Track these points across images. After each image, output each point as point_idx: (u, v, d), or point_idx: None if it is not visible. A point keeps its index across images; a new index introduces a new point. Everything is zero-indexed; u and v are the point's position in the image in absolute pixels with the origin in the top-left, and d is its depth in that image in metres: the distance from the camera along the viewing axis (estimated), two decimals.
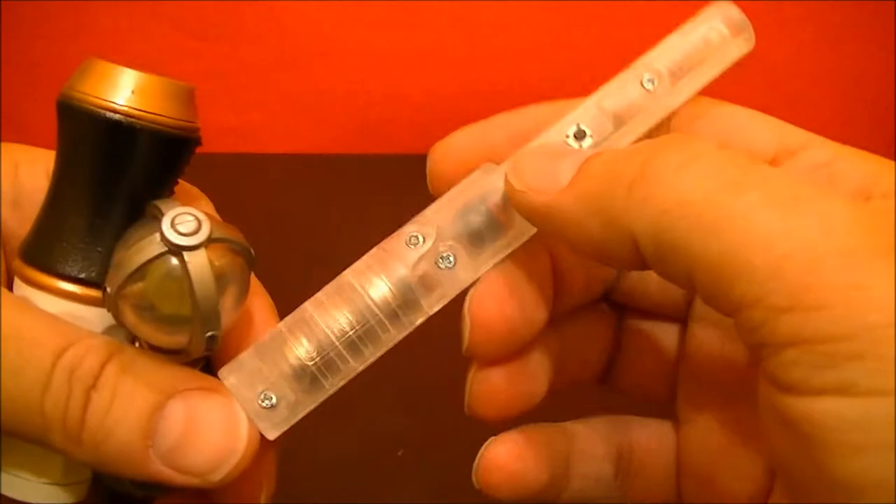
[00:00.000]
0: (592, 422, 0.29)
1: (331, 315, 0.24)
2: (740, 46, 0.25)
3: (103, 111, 0.22)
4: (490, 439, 0.27)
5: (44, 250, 0.23)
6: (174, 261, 0.21)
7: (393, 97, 0.66)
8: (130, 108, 0.22)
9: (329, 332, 0.24)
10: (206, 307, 0.22)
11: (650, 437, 0.28)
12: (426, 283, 0.24)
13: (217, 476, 0.23)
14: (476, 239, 0.24)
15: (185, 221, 0.22)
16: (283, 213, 0.60)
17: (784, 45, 0.64)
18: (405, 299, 0.24)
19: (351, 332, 0.24)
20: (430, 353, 0.37)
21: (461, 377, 0.26)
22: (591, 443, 0.28)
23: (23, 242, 0.24)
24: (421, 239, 0.24)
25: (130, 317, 0.22)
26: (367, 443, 0.44)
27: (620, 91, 0.25)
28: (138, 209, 0.23)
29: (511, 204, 0.23)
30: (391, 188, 0.67)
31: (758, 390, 0.20)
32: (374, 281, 0.24)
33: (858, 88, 0.66)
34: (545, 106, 0.26)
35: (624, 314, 0.29)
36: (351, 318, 0.24)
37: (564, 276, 0.26)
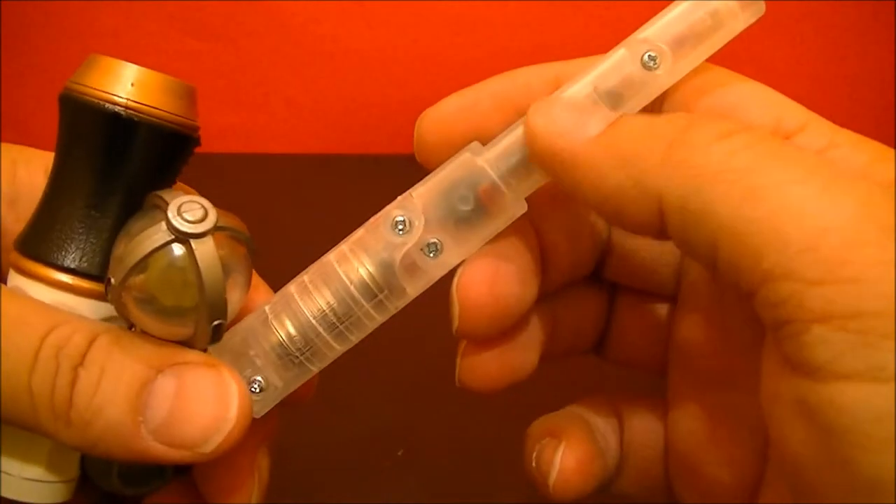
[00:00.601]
0: (593, 406, 0.28)
1: (315, 303, 0.24)
2: (748, 19, 0.24)
3: (103, 103, 0.22)
4: (558, 453, 0.27)
5: (38, 241, 0.23)
6: (181, 249, 0.21)
7: (392, 97, 0.66)
8: (129, 100, 0.22)
9: (315, 322, 0.23)
10: (214, 295, 0.21)
11: (641, 419, 0.28)
12: (412, 271, 0.24)
13: (209, 447, 0.22)
14: (463, 225, 0.24)
15: (191, 209, 0.21)
16: (283, 213, 0.60)
17: (784, 45, 0.64)
18: (390, 287, 0.23)
19: (337, 323, 0.23)
20: (431, 352, 0.37)
21: None
22: (604, 430, 0.28)
23: (19, 234, 0.24)
24: (408, 224, 0.23)
25: (134, 309, 0.22)
26: (367, 442, 0.44)
27: (618, 70, 0.23)
28: (134, 203, 0.23)
29: (530, 149, 0.23)
30: (391, 188, 0.67)
31: (761, 378, 0.20)
32: (358, 269, 0.23)
33: (858, 88, 0.66)
34: (534, 70, 0.25)
35: (616, 291, 0.29)
36: (336, 307, 0.23)
37: (551, 254, 0.26)
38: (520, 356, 0.26)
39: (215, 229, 0.22)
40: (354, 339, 0.24)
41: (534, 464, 0.27)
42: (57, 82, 0.24)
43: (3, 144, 0.26)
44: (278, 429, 0.27)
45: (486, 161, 0.24)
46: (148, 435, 0.22)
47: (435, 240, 0.24)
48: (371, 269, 0.23)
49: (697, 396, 0.26)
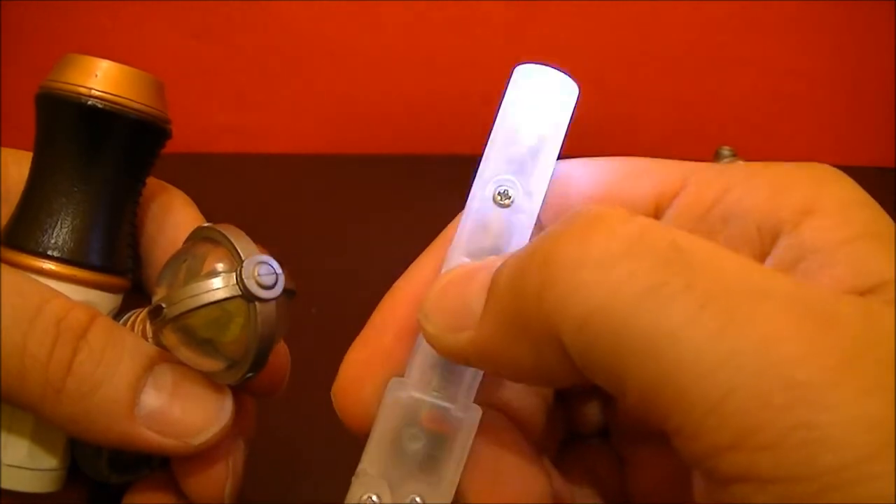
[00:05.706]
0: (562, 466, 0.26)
1: None
2: (569, 100, 0.23)
3: (70, 94, 0.23)
4: None
5: (19, 231, 0.24)
6: (245, 306, 0.22)
7: (392, 98, 0.66)
8: (94, 89, 0.23)
9: None
10: (261, 354, 0.22)
11: (600, 462, 0.26)
12: None
13: (199, 440, 0.23)
14: (429, 465, 0.21)
15: (266, 273, 0.22)
16: (282, 213, 0.60)
17: (784, 45, 0.64)
18: None
19: None
20: None
21: None
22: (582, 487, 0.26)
23: (3, 229, 0.25)
24: (376, 499, 0.21)
25: (174, 337, 0.22)
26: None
27: (480, 221, 0.22)
28: (107, 192, 0.24)
29: (436, 351, 0.21)
30: (391, 188, 0.67)
31: (693, 481, 0.19)
32: None
33: (858, 88, 0.66)
34: (413, 278, 0.23)
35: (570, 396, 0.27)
36: None
37: (533, 423, 0.24)
38: None
39: (282, 294, 0.22)
40: None
41: None
42: None
43: None
44: (255, 423, 0.27)
45: (413, 387, 0.21)
46: (139, 419, 0.22)
47: (411, 498, 0.21)
48: None
49: (646, 454, 0.25)
